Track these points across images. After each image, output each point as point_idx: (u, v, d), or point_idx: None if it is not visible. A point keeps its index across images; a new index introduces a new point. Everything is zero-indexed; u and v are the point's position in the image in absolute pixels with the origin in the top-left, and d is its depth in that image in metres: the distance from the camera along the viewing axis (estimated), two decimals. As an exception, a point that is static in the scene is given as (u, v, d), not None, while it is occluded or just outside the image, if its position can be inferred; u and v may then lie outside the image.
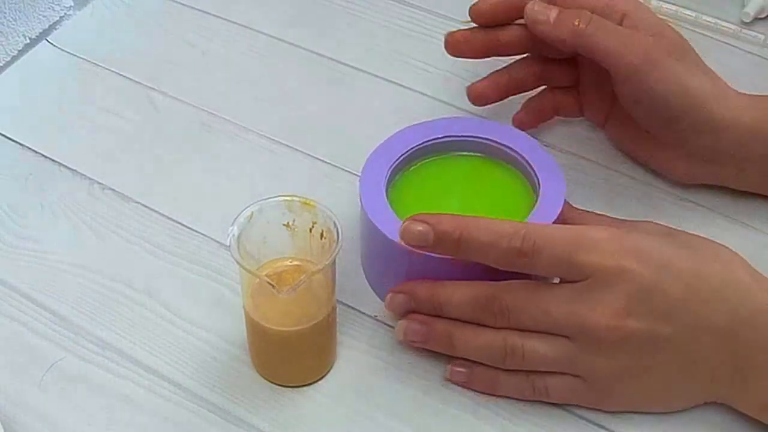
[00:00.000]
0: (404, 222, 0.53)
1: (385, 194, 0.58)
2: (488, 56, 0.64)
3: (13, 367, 0.58)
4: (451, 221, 0.53)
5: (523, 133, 0.62)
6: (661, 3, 0.80)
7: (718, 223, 0.65)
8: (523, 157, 0.60)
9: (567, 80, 0.67)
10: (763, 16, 0.79)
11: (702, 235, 0.56)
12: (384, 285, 0.58)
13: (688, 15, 0.79)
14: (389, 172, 0.59)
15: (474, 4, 0.63)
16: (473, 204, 0.60)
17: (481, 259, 0.53)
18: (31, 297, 0.61)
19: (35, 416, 0.55)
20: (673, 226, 0.57)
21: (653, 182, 0.67)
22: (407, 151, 0.60)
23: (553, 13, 0.60)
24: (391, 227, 0.55)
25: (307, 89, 0.75)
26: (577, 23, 0.59)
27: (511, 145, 0.61)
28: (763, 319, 0.51)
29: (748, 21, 0.78)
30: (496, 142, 0.61)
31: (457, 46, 0.64)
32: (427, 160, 0.61)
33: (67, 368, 0.58)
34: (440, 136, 0.61)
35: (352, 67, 0.76)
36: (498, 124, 0.62)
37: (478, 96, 0.66)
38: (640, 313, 0.51)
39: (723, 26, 0.78)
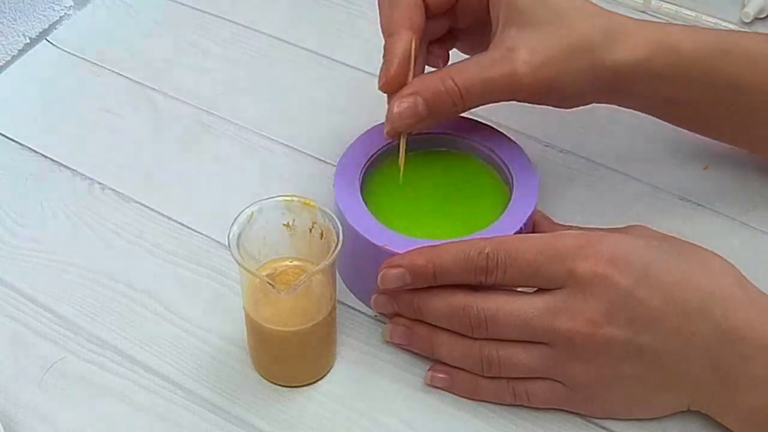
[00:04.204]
0: (381, 270, 0.54)
1: (359, 192, 0.59)
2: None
3: (13, 367, 0.58)
4: (421, 255, 0.54)
5: (496, 129, 0.62)
6: (661, 3, 0.80)
7: (718, 223, 0.65)
8: (495, 152, 0.61)
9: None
10: (763, 16, 0.79)
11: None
12: (357, 281, 0.59)
13: (688, 15, 0.79)
14: (363, 170, 0.60)
15: (382, 84, 0.58)
16: (447, 200, 0.60)
17: (457, 281, 0.53)
18: (31, 297, 0.61)
19: (35, 416, 0.55)
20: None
21: (653, 182, 0.67)
22: (380, 149, 0.61)
23: (422, 110, 0.56)
24: (366, 226, 0.56)
25: (307, 89, 0.75)
26: (452, 109, 0.57)
27: (483, 141, 0.61)
28: (749, 332, 0.50)
29: (748, 21, 0.78)
30: (468, 137, 0.62)
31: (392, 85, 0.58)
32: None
33: (67, 368, 0.57)
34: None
35: (352, 67, 0.76)
36: (470, 121, 0.63)
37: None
38: (619, 320, 0.51)
39: (723, 26, 0.78)
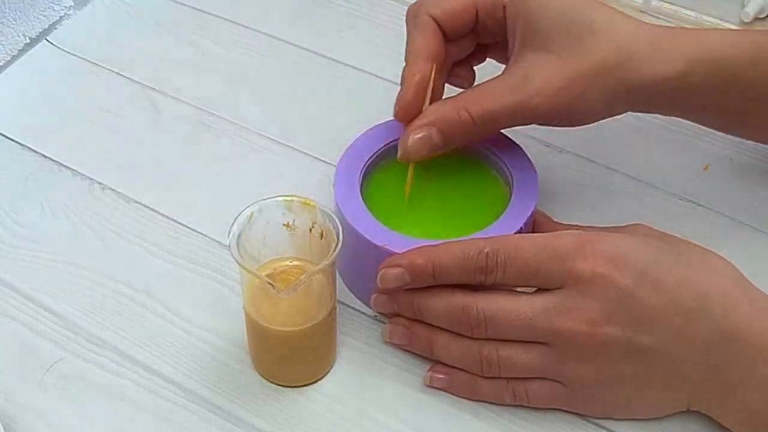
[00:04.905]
0: (380, 270, 0.54)
1: (359, 193, 0.59)
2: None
3: (13, 367, 0.58)
4: (420, 255, 0.54)
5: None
6: (661, 3, 0.80)
7: (719, 223, 0.65)
8: (495, 152, 0.61)
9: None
10: (763, 16, 0.79)
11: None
12: (358, 281, 0.59)
13: (688, 15, 0.79)
14: (363, 170, 0.60)
15: (396, 113, 0.58)
16: (447, 200, 0.60)
17: (456, 281, 0.53)
18: (31, 297, 0.61)
19: (35, 416, 0.55)
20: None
21: (653, 182, 0.67)
22: (380, 149, 0.61)
23: (437, 140, 0.57)
24: (366, 226, 0.56)
25: (307, 89, 0.75)
26: (467, 137, 0.57)
27: (483, 141, 0.61)
28: (749, 332, 0.50)
29: (748, 21, 0.78)
30: None
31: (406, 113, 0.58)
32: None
33: (67, 368, 0.57)
34: None
35: (352, 67, 0.76)
36: None
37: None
38: (618, 320, 0.51)
39: (723, 26, 0.78)
